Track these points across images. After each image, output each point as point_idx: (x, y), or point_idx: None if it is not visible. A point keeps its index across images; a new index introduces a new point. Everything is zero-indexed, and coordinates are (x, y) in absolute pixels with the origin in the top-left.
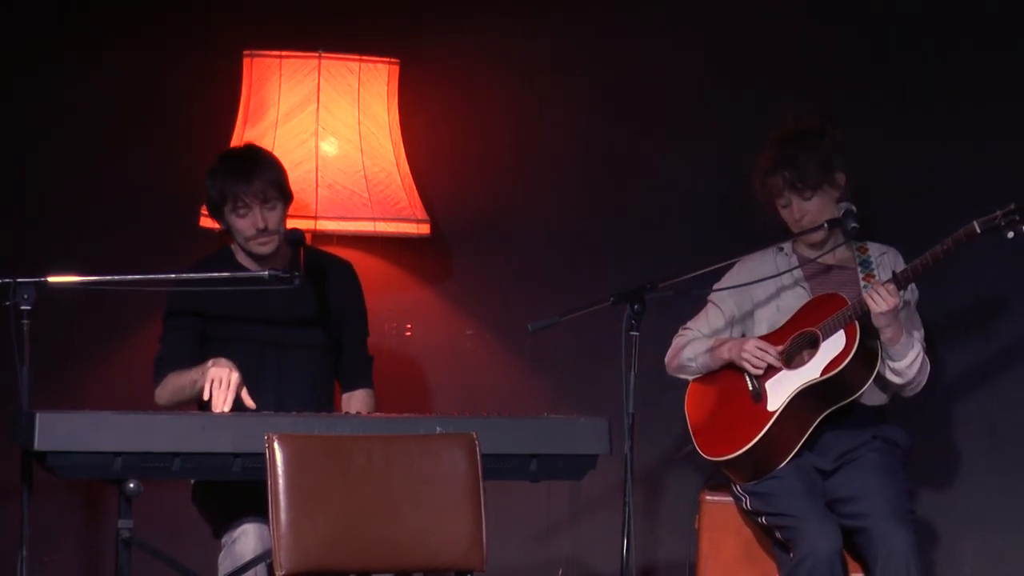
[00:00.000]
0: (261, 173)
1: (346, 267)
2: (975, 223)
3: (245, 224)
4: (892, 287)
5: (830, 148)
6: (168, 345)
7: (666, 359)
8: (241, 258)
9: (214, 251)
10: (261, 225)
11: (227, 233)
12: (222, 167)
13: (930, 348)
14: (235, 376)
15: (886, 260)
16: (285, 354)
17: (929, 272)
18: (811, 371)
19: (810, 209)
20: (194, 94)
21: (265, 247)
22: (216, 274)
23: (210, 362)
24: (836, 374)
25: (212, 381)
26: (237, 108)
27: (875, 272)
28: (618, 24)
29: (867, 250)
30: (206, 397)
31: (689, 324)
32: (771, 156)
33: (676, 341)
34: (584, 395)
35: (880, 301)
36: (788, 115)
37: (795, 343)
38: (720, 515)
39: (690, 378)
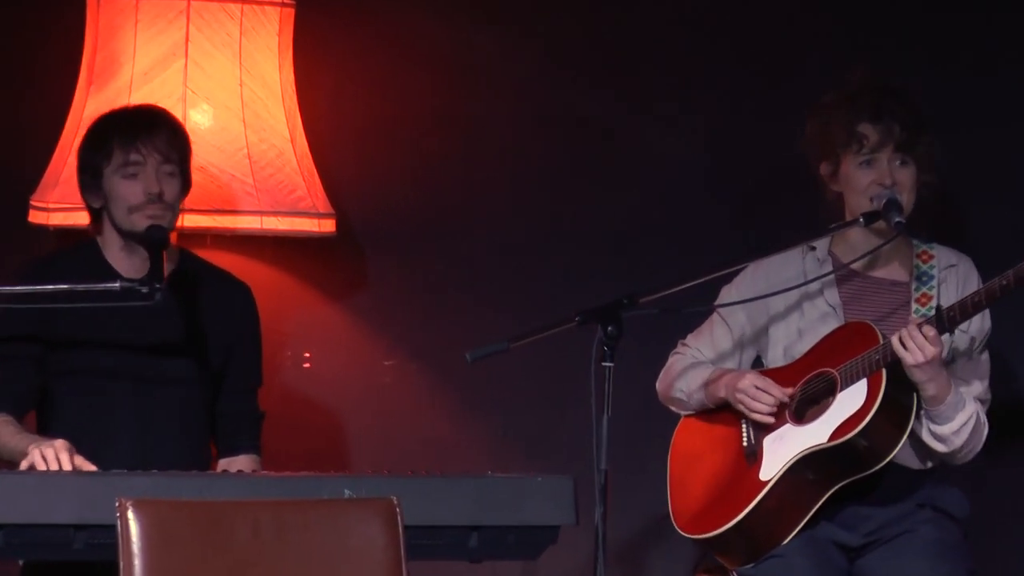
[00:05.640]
0: (166, 127)
1: (243, 291)
2: None
3: (133, 189)
4: (932, 332)
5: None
6: (2, 373)
7: (658, 383)
8: (112, 255)
9: (76, 242)
10: (155, 189)
11: (95, 220)
12: (110, 116)
13: (1003, 388)
14: (60, 442)
15: (953, 275)
16: (149, 391)
17: (981, 310)
18: (818, 433)
19: (903, 179)
20: (23, 50)
21: (154, 221)
22: (49, 287)
23: (32, 446)
24: (848, 441)
25: (39, 457)
26: (79, 67)
27: (935, 290)
28: None
29: (931, 257)
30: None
31: (689, 340)
32: (860, 95)
33: (671, 361)
34: (541, 446)
35: (915, 350)
36: (860, 68)
37: (809, 387)
38: None
39: (683, 413)
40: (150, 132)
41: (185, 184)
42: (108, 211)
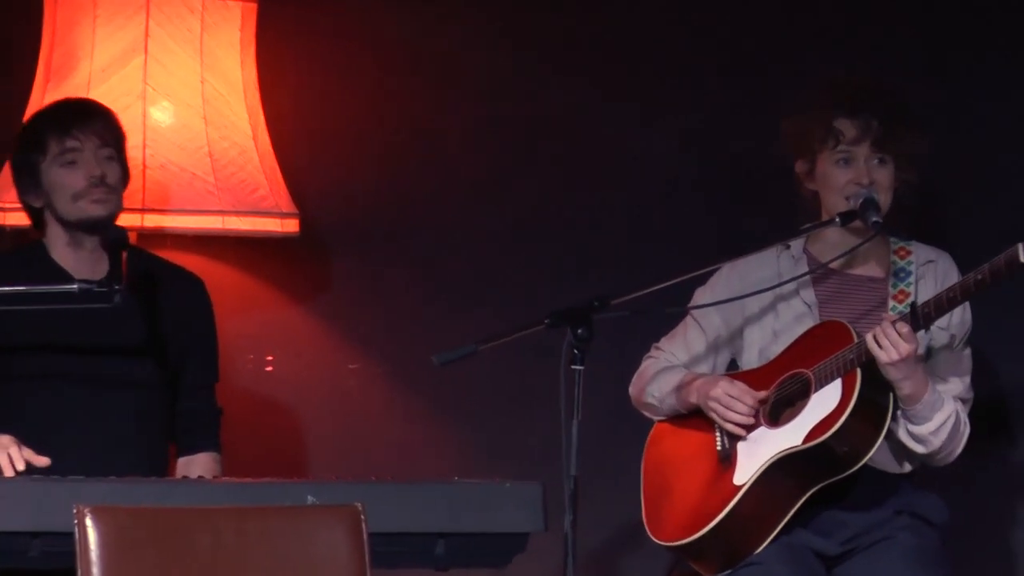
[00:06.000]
0: (99, 113)
1: (197, 285)
2: (1019, 247)
3: (75, 176)
4: (906, 329)
5: (920, 121)
6: None
7: (630, 387)
8: (58, 253)
9: (21, 244)
10: (97, 172)
11: (36, 223)
12: (39, 113)
13: (984, 386)
14: (6, 437)
15: (931, 271)
16: (105, 395)
17: (957, 305)
18: (792, 435)
19: (881, 178)
20: None
21: (101, 205)
22: (6, 289)
23: None
24: (823, 442)
25: None
26: (36, 63)
27: (912, 287)
28: None
29: (909, 254)
30: None
31: (662, 343)
32: (840, 92)
33: (644, 365)
34: (510, 451)
35: (889, 348)
36: (847, 68)
37: (784, 388)
38: None
39: (656, 419)
40: (84, 119)
41: (125, 172)
42: (51, 206)
